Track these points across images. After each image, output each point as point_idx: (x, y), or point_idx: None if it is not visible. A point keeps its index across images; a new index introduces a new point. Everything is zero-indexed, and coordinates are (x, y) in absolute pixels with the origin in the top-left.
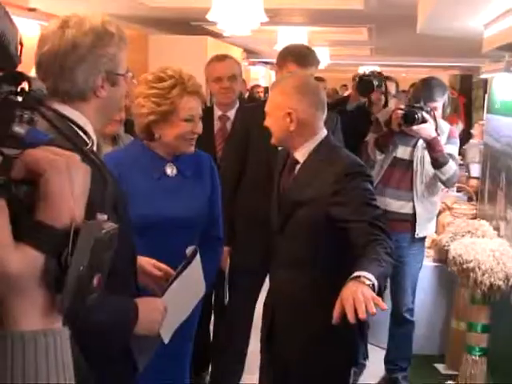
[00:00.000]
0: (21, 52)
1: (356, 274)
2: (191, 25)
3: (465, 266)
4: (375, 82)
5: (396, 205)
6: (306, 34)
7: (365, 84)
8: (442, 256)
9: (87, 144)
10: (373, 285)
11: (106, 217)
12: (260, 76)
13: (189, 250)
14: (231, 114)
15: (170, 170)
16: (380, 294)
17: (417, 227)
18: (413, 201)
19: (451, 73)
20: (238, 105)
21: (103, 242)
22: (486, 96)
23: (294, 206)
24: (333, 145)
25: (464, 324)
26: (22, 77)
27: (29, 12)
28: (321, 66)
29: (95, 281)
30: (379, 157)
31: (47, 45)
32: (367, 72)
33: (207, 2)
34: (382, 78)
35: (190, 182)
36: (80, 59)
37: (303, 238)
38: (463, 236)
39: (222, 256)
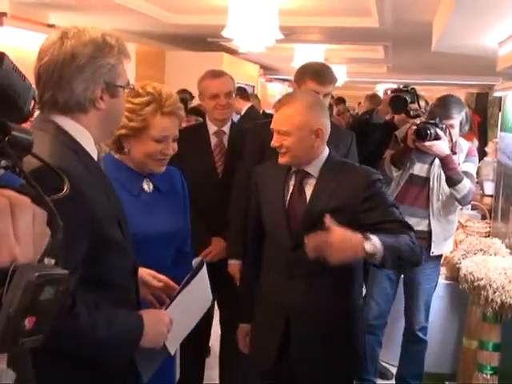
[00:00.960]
0: (34, 106)
1: (368, 235)
2: (208, 41)
3: (476, 284)
4: (408, 99)
5: (411, 221)
6: (322, 51)
7: (399, 101)
8: (454, 273)
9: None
10: (372, 255)
11: (53, 261)
12: (277, 93)
13: (195, 262)
14: (227, 128)
15: (147, 186)
16: (383, 265)
17: (432, 245)
18: (428, 218)
19: (469, 91)
20: (231, 120)
21: (36, 285)
22: (500, 114)
23: (319, 218)
24: (337, 158)
25: (476, 342)
26: (6, 126)
27: (48, 28)
28: (337, 84)
29: (27, 323)
30: (395, 173)
31: (46, 56)
32: (401, 87)
33: (223, 19)
34: (415, 94)
35: (166, 198)
36: (79, 69)
37: None
38: (475, 254)
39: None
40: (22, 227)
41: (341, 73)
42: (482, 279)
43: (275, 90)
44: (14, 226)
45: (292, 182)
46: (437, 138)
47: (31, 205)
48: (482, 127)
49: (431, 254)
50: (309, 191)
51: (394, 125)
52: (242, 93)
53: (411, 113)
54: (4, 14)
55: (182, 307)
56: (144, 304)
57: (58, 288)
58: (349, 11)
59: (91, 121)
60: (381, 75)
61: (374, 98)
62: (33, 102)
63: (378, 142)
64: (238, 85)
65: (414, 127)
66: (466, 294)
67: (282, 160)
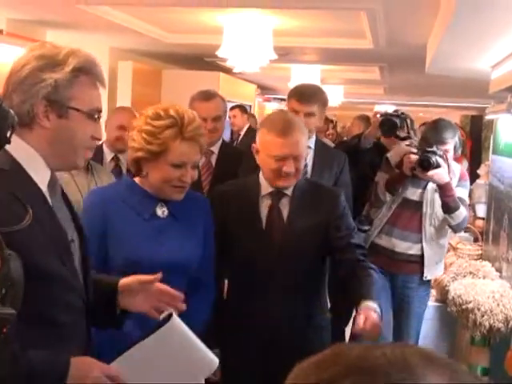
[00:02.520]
0: (12, 133)
1: (365, 303)
2: (205, 60)
3: (464, 307)
4: (398, 123)
5: (403, 246)
6: (319, 71)
7: (388, 124)
8: (444, 296)
9: None
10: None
11: None
12: None
13: (163, 314)
14: (215, 148)
15: (161, 211)
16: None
17: (425, 270)
18: (421, 242)
19: (465, 113)
20: (221, 140)
21: None
22: (492, 137)
23: (298, 236)
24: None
25: (465, 366)
26: None
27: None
28: (335, 104)
29: None
30: (388, 198)
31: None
32: (389, 111)
33: (220, 39)
34: (404, 118)
35: (181, 225)
36: (20, 80)
37: (305, 262)
38: (465, 276)
39: (211, 307)
40: None
41: (338, 93)
42: (470, 302)
43: (272, 110)
44: None
45: (266, 204)
46: (437, 166)
47: None
48: (475, 149)
49: (424, 279)
50: (285, 211)
51: (383, 146)
52: (242, 110)
53: (400, 135)
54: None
55: (144, 365)
56: (146, 320)
57: (1, 330)
58: (343, 32)
59: (37, 139)
60: (378, 96)
61: (363, 118)
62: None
63: (368, 163)
64: (237, 103)
65: (413, 156)
66: (455, 317)
67: (289, 183)
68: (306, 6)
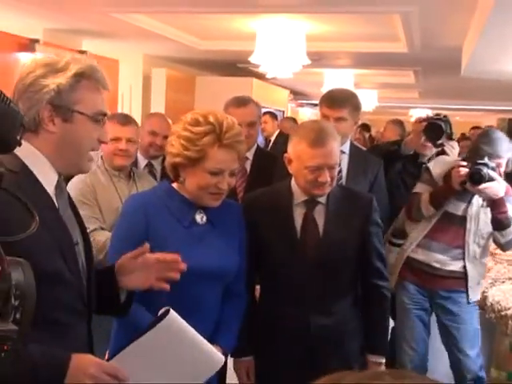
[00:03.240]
0: (22, 135)
1: (371, 359)
2: (238, 66)
3: (503, 313)
4: (444, 126)
5: (444, 261)
6: (352, 76)
7: (435, 129)
8: (482, 302)
9: None
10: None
11: None
12: (307, 118)
13: (161, 310)
14: (250, 154)
15: (200, 218)
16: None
17: (469, 291)
18: (463, 260)
19: (501, 116)
20: (256, 146)
21: None
22: None
23: (335, 246)
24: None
25: (504, 373)
26: None
27: (80, 54)
28: (368, 109)
29: None
30: (432, 212)
31: None
32: (434, 115)
33: (252, 45)
34: (449, 122)
35: (219, 232)
36: (25, 88)
37: (340, 273)
38: (503, 282)
39: (243, 314)
40: None
41: (372, 98)
42: (509, 309)
43: (305, 115)
44: None
45: (300, 212)
46: (490, 179)
47: None
48: None
49: (470, 301)
50: (320, 220)
51: (417, 155)
52: (272, 116)
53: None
54: (36, 41)
55: (143, 362)
56: (153, 296)
57: (2, 347)
58: (376, 36)
59: (44, 143)
60: (413, 100)
61: (396, 123)
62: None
63: (398, 172)
64: (267, 109)
65: (463, 169)
66: (493, 324)
67: (324, 191)
68: (338, 11)
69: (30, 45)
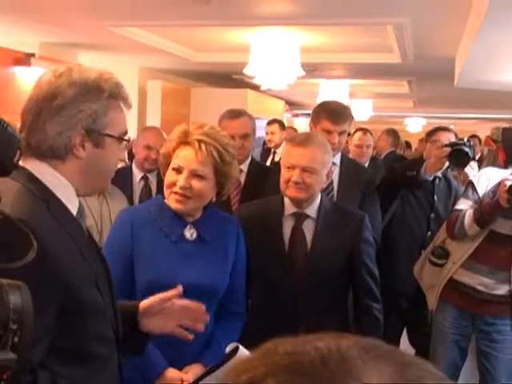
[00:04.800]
0: (19, 158)
1: None
2: (233, 78)
3: None
4: (470, 153)
5: (489, 285)
6: (347, 86)
7: (461, 156)
8: None
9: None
10: None
11: None
12: (302, 128)
13: (230, 347)
14: (245, 166)
15: (190, 234)
16: None
17: None
18: (509, 283)
19: (496, 125)
20: (250, 158)
21: None
22: None
23: (323, 260)
24: (327, 198)
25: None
26: None
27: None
28: (363, 118)
29: None
30: (476, 231)
31: (31, 94)
32: (453, 139)
33: (247, 57)
34: (473, 146)
35: (210, 248)
36: (56, 111)
37: (328, 287)
38: None
39: (240, 333)
40: None
41: (367, 107)
42: None
43: (301, 125)
44: None
45: (289, 225)
46: None
47: None
48: (508, 161)
49: None
50: (309, 233)
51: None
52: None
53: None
54: (32, 55)
55: None
56: (171, 340)
57: (2, 376)
58: (370, 47)
59: (70, 169)
60: (407, 109)
61: (391, 133)
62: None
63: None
64: (262, 121)
65: (509, 183)
66: None
67: (298, 194)
68: (333, 23)
69: (25, 59)
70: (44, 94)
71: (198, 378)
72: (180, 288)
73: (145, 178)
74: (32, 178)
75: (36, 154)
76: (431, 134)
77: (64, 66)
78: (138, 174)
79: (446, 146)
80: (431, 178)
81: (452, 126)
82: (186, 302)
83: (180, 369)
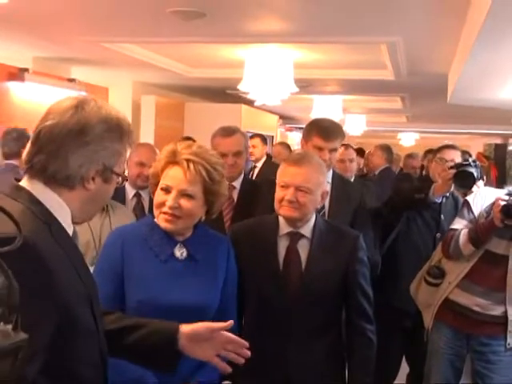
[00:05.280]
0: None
1: None
2: (227, 93)
3: None
4: (475, 173)
5: (485, 306)
6: (340, 101)
7: (466, 177)
8: None
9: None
10: None
11: (9, 327)
12: (296, 142)
13: None
14: (237, 183)
15: (180, 253)
16: None
17: (508, 336)
18: (504, 304)
19: (488, 140)
20: (243, 175)
21: None
22: None
23: (317, 280)
24: (322, 218)
25: None
26: None
27: (69, 82)
28: (357, 133)
29: None
30: (471, 251)
31: (53, 119)
32: (457, 160)
33: (241, 72)
34: (479, 167)
35: (200, 267)
36: (82, 144)
37: (322, 307)
38: None
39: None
40: None
41: (360, 122)
42: None
43: (294, 140)
44: None
45: (284, 244)
46: None
47: None
48: (500, 177)
49: (508, 346)
50: (303, 253)
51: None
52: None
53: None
54: (26, 70)
55: None
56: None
57: (16, 355)
58: (364, 64)
59: (74, 198)
60: (401, 124)
61: (385, 149)
62: None
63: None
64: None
65: (502, 202)
66: None
67: (292, 213)
68: (327, 41)
69: (19, 74)
70: (70, 126)
71: None
72: (231, 322)
73: (137, 195)
74: (34, 201)
75: (45, 178)
76: (436, 152)
77: (83, 99)
78: (130, 191)
79: (451, 167)
80: (439, 201)
81: (446, 141)
82: (232, 336)
83: None
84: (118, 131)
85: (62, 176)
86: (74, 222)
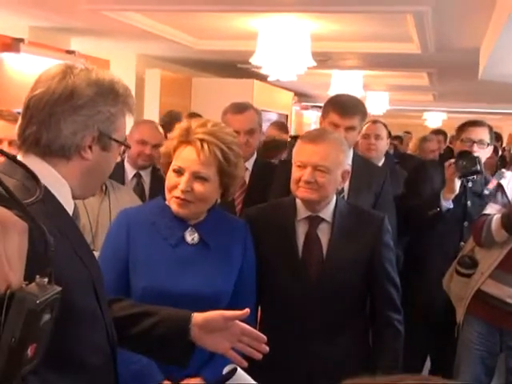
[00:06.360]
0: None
1: None
2: (238, 67)
3: None
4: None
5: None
6: (361, 77)
7: (467, 160)
8: None
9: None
10: None
11: (46, 280)
12: (312, 121)
13: (227, 368)
14: (249, 164)
15: (191, 237)
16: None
17: None
18: None
19: None
20: (255, 155)
21: (37, 312)
22: None
23: (339, 268)
24: (343, 201)
25: None
26: None
27: (67, 54)
28: (379, 112)
29: (29, 351)
30: (505, 238)
31: (42, 88)
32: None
33: (254, 45)
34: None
35: (212, 254)
36: (74, 109)
37: (345, 296)
38: None
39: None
40: (11, 249)
41: (383, 101)
42: None
43: (310, 119)
44: (5, 248)
45: (303, 229)
46: None
47: (17, 220)
48: None
49: None
50: (324, 239)
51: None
52: (280, 127)
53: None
54: (21, 40)
55: None
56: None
57: (54, 308)
58: (387, 36)
59: (72, 170)
60: (427, 103)
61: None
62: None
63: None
64: (269, 114)
65: None
66: None
67: (309, 195)
68: (347, 10)
69: (14, 44)
70: (59, 92)
71: None
72: (247, 311)
73: (137, 176)
74: (30, 177)
75: (40, 151)
76: (460, 130)
77: (70, 64)
78: (130, 171)
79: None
80: (451, 206)
81: None
82: (248, 327)
83: (177, 381)
84: (111, 94)
85: (57, 146)
86: (74, 198)
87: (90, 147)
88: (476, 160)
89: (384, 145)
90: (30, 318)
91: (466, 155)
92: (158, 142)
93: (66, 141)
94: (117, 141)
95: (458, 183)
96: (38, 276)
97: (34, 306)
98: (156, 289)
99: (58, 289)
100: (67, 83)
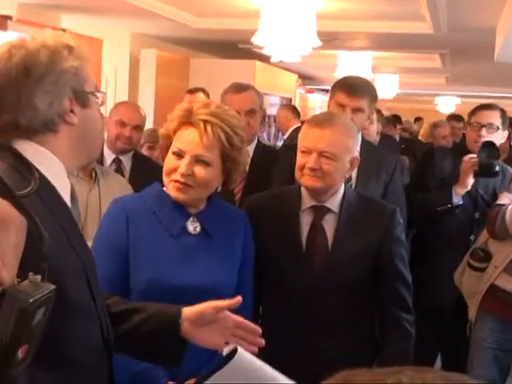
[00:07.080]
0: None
1: None
2: (239, 48)
3: None
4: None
5: None
6: (369, 59)
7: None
8: None
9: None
10: None
11: (39, 277)
12: (317, 105)
13: (227, 349)
14: (250, 149)
15: (193, 227)
16: None
17: None
18: None
19: None
20: (257, 140)
21: (30, 311)
22: None
23: (345, 261)
24: (352, 190)
25: None
26: None
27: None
28: (388, 96)
29: (20, 353)
30: None
31: None
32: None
33: (256, 24)
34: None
35: (215, 244)
36: (37, 82)
37: (351, 292)
38: None
39: None
40: (8, 245)
41: (392, 84)
42: None
43: (315, 103)
44: (1, 244)
45: (307, 220)
46: None
47: (15, 216)
48: None
49: None
50: (329, 230)
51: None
52: (292, 110)
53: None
54: (9, 18)
55: None
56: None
57: (47, 307)
58: (398, 15)
59: (63, 142)
60: (439, 87)
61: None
62: None
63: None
64: (271, 98)
65: None
66: None
67: (314, 183)
68: None
69: (1, 22)
70: (14, 72)
71: None
72: (240, 298)
73: (117, 161)
74: (20, 158)
75: (24, 133)
76: (470, 114)
77: (12, 41)
78: (109, 156)
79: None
80: (461, 202)
81: None
82: (241, 319)
83: (182, 382)
84: (64, 49)
85: (39, 124)
86: (75, 171)
87: (72, 111)
88: (498, 153)
89: (374, 129)
90: (22, 317)
91: (489, 146)
92: (138, 123)
93: (47, 115)
94: (91, 93)
95: (471, 180)
96: (31, 273)
97: (27, 305)
98: (160, 281)
99: (52, 287)
100: (16, 60)
